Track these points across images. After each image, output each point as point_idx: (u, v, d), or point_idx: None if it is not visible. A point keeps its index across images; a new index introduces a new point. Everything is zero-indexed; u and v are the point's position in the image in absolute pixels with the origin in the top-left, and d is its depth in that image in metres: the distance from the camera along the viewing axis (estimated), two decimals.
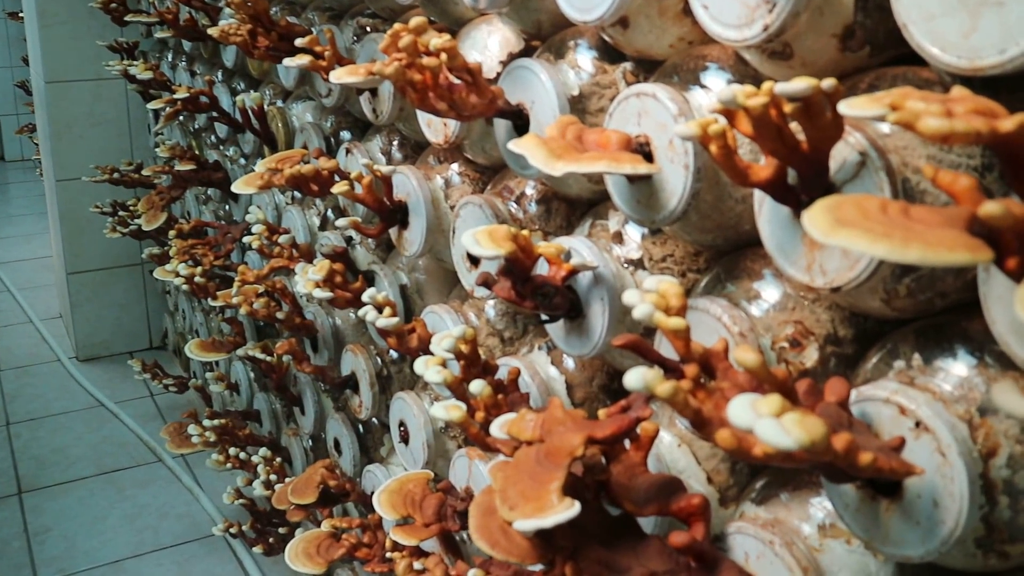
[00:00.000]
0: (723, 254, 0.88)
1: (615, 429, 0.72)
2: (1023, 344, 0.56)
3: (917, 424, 0.62)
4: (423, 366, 0.94)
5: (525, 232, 0.89)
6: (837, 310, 0.79)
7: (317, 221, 1.78)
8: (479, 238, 0.85)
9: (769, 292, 0.80)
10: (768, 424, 0.48)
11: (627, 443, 0.81)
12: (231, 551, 2.33)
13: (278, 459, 1.95)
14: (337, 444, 1.74)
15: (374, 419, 1.67)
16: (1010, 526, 0.64)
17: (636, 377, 0.56)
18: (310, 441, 2.02)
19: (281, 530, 1.99)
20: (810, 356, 0.77)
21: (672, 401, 0.56)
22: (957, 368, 0.66)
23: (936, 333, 0.69)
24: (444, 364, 0.95)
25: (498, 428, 0.80)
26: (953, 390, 0.65)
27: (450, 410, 0.85)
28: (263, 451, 1.95)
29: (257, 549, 2.02)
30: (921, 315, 0.71)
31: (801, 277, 0.69)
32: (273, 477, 1.87)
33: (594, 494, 0.80)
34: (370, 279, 1.47)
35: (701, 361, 0.65)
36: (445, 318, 1.22)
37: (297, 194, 1.93)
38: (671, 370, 0.69)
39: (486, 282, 0.93)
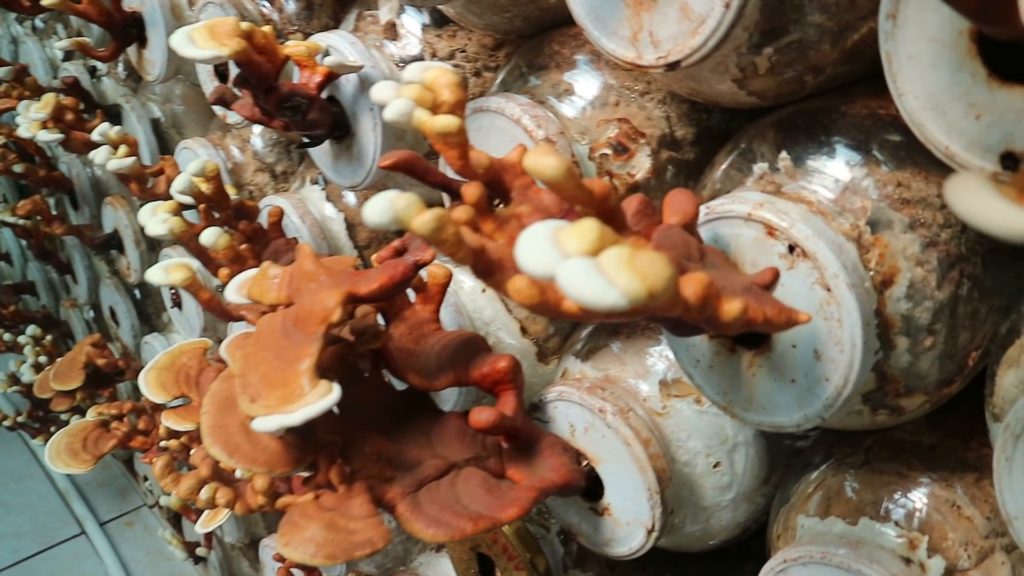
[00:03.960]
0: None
1: (384, 281, 0.52)
2: (943, 122, 0.39)
3: (791, 248, 0.44)
4: (148, 214, 0.71)
5: (267, 28, 0.66)
6: (673, 104, 0.60)
7: (60, 55, 1.48)
8: (194, 35, 0.62)
9: (584, 84, 0.60)
10: (577, 269, 0.29)
11: (413, 295, 0.62)
12: (23, 442, 2.08)
13: (49, 337, 1.68)
14: (114, 313, 1.50)
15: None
16: (907, 374, 0.48)
17: (380, 207, 0.36)
18: (91, 312, 1.76)
19: (64, 416, 1.74)
20: (641, 165, 0.58)
21: (438, 239, 0.36)
22: (837, 168, 0.48)
23: (807, 122, 0.50)
24: (179, 211, 0.72)
25: (235, 291, 0.59)
26: (836, 198, 0.47)
27: (170, 272, 0.63)
28: (32, 329, 1.68)
29: (38, 441, 1.78)
30: (784, 100, 0.52)
31: (624, 52, 0.49)
32: (43, 359, 1.62)
33: (372, 366, 0.60)
34: (115, 115, 1.20)
35: (489, 178, 0.45)
36: (201, 153, 0.98)
37: (39, 22, 1.61)
38: (460, 196, 0.49)
39: (222, 98, 0.70)
